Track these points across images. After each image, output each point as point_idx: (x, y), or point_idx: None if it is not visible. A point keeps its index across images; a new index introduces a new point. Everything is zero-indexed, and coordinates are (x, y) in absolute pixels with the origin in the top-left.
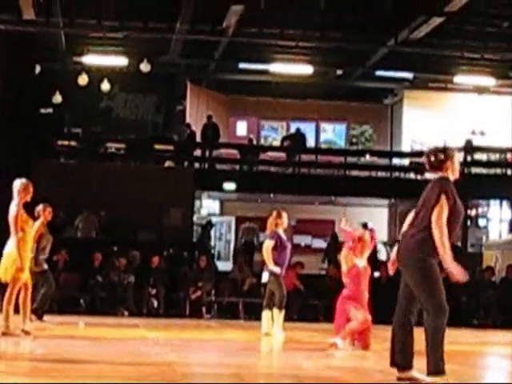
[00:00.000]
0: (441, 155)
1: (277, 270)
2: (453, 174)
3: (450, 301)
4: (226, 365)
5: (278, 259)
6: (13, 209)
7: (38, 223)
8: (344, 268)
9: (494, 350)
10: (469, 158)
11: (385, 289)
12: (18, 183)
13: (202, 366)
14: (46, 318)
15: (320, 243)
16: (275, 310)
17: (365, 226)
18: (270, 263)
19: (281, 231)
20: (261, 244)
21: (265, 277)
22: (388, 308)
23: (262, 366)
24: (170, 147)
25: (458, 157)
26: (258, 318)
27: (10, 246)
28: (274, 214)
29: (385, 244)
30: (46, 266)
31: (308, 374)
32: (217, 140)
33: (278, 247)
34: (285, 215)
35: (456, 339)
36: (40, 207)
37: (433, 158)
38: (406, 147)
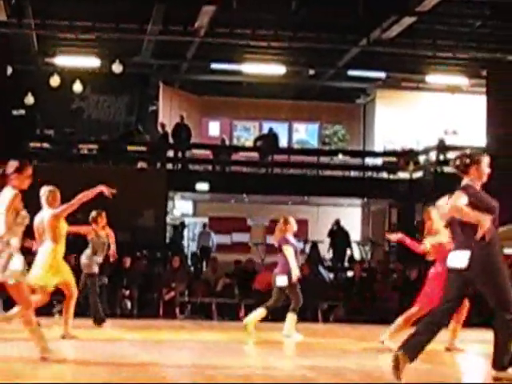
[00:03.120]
0: (466, 159)
1: (294, 275)
2: (479, 179)
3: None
4: (200, 365)
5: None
6: (49, 217)
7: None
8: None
9: (468, 349)
10: (441, 158)
11: (357, 288)
12: (46, 191)
13: (175, 367)
14: None
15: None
16: (290, 314)
17: (337, 223)
18: (295, 269)
19: (290, 236)
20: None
21: (282, 281)
22: (361, 306)
23: (235, 367)
24: (143, 148)
25: (486, 161)
26: (232, 319)
27: (46, 252)
28: (281, 220)
29: (358, 243)
30: (95, 270)
31: (281, 374)
32: (188, 140)
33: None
34: (292, 220)
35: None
36: (94, 213)
37: (458, 163)
38: (378, 147)
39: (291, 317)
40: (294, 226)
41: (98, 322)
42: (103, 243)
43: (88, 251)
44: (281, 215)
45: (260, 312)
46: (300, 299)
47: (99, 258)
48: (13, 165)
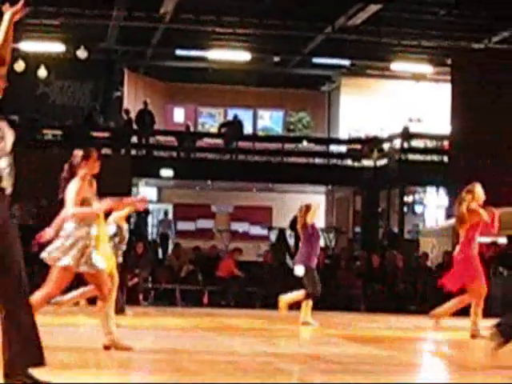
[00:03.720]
0: None
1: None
2: None
3: (387, 288)
4: (163, 351)
5: (312, 250)
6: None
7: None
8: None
9: (430, 336)
10: (406, 145)
11: (321, 275)
12: None
13: (138, 353)
14: None
15: (257, 230)
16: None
17: (307, 206)
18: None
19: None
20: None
21: (299, 270)
22: (324, 293)
23: (198, 352)
24: (107, 134)
25: None
26: (195, 305)
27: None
28: (303, 208)
29: (322, 230)
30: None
31: (243, 360)
32: (152, 127)
33: (313, 239)
34: (313, 207)
35: (394, 325)
36: None
37: None
38: (343, 134)
39: (307, 304)
40: (316, 213)
41: (120, 311)
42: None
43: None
44: (246, 202)
45: (297, 294)
46: (317, 288)
47: (124, 246)
48: (78, 154)
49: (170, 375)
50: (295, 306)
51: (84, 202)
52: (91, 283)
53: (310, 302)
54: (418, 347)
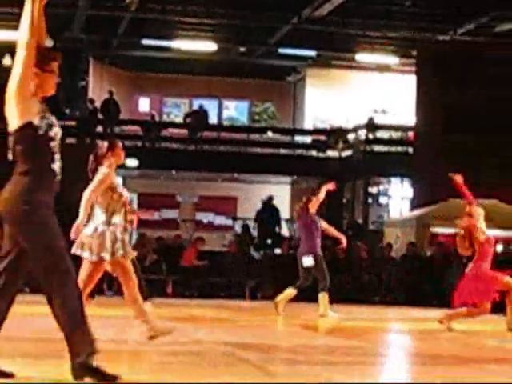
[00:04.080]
0: None
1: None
2: None
3: (352, 278)
4: (126, 341)
5: (317, 238)
6: None
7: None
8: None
9: (394, 327)
10: (371, 136)
11: (286, 265)
12: None
13: (100, 342)
14: None
15: (222, 220)
16: (322, 293)
17: (270, 199)
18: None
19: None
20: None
21: (308, 261)
22: (288, 284)
23: (161, 343)
24: (72, 123)
25: None
26: (160, 295)
27: None
28: (305, 199)
29: (287, 221)
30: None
31: (207, 350)
32: (117, 116)
33: (314, 227)
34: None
35: (358, 316)
36: None
37: None
38: (308, 125)
39: (323, 296)
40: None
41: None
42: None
43: None
44: (211, 192)
45: (289, 292)
46: (327, 276)
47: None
48: (103, 145)
49: (132, 365)
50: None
51: (111, 190)
52: (116, 273)
53: (327, 294)
54: (382, 338)
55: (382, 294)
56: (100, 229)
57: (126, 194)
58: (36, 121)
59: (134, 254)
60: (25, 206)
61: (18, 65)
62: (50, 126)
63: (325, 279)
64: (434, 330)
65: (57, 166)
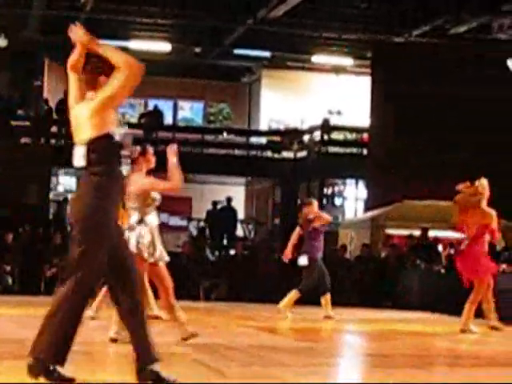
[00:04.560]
0: None
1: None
2: None
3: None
4: (79, 342)
5: (317, 243)
6: None
7: None
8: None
9: (347, 328)
10: (326, 137)
11: (240, 267)
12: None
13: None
14: None
15: (177, 221)
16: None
17: (229, 200)
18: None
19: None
20: None
21: (302, 260)
22: (243, 285)
23: (109, 344)
24: (27, 123)
25: None
26: None
27: None
28: (307, 203)
29: (241, 222)
30: None
31: (161, 351)
32: None
33: (318, 232)
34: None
35: (312, 317)
36: None
37: None
38: (263, 126)
39: (324, 298)
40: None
41: None
42: None
43: None
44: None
45: (292, 295)
46: (325, 279)
47: None
48: (135, 150)
49: (84, 367)
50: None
51: (144, 194)
52: (152, 275)
53: (329, 296)
54: (336, 338)
55: (335, 295)
56: (135, 227)
57: (158, 197)
58: (112, 130)
59: (167, 259)
60: (100, 210)
61: (116, 84)
62: (122, 135)
63: (307, 282)
64: (387, 331)
65: (123, 169)
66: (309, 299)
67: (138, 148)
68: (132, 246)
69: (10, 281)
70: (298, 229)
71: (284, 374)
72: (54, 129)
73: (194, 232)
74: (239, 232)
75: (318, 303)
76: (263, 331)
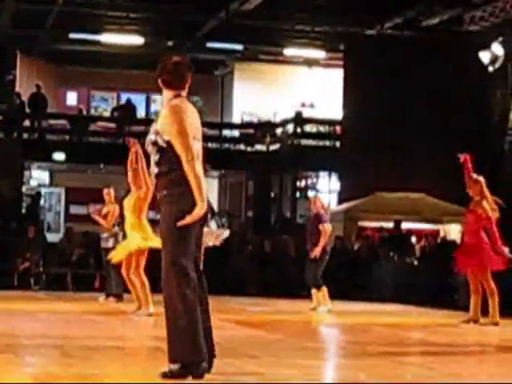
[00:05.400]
0: None
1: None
2: None
3: (279, 272)
4: (50, 336)
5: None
6: None
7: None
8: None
9: (321, 320)
10: (299, 130)
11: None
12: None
13: (25, 338)
14: None
15: (153, 215)
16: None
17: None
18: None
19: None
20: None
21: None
22: (217, 278)
23: (87, 337)
24: None
25: None
26: (87, 289)
27: None
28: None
29: (215, 215)
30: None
31: (132, 345)
32: (45, 110)
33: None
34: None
35: (284, 309)
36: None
37: None
38: (236, 119)
39: (314, 291)
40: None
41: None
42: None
43: None
44: None
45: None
46: (315, 272)
47: None
48: None
49: (57, 360)
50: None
51: None
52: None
53: (316, 290)
54: (309, 331)
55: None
56: None
57: None
58: None
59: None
60: None
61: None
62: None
63: (314, 275)
64: (361, 323)
65: (151, 170)
66: (283, 291)
67: None
68: None
69: None
70: None
71: (254, 366)
72: (26, 123)
73: None
74: (212, 225)
75: (293, 296)
76: (237, 324)
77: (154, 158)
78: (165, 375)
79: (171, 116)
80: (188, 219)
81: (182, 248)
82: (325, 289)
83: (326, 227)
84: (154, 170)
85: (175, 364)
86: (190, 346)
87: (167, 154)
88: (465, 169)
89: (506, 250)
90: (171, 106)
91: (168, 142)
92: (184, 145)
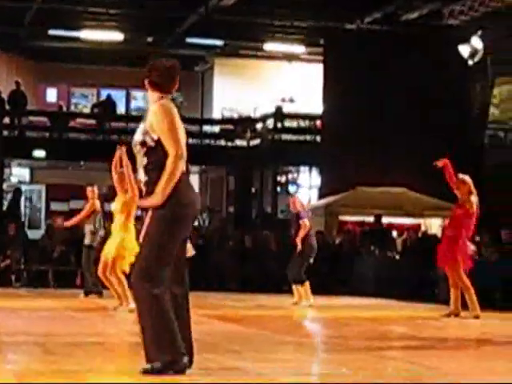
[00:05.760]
0: None
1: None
2: None
3: (260, 267)
4: (31, 333)
5: None
6: None
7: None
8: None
9: (302, 315)
10: (279, 125)
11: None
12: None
13: (6, 335)
14: None
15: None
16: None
17: None
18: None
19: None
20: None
21: None
22: (197, 274)
23: (68, 334)
24: None
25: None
26: (68, 286)
27: None
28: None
29: None
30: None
31: (113, 341)
32: (25, 107)
33: None
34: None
35: (265, 304)
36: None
37: None
38: (216, 114)
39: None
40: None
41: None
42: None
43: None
44: None
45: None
46: (294, 267)
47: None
48: None
49: (39, 357)
50: None
51: None
52: None
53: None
54: (289, 325)
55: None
56: None
57: None
58: None
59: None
60: None
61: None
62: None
63: (298, 271)
64: (343, 317)
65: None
66: (264, 286)
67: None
68: None
69: None
70: None
71: (235, 361)
72: (6, 120)
73: None
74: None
75: (274, 291)
76: (217, 319)
77: (142, 161)
78: (146, 371)
79: (162, 113)
80: (140, 203)
81: (159, 254)
82: (307, 284)
83: (306, 221)
84: (143, 177)
85: (157, 361)
86: (168, 346)
87: (156, 155)
88: (446, 173)
89: (471, 247)
90: (161, 104)
91: (157, 141)
92: (174, 139)
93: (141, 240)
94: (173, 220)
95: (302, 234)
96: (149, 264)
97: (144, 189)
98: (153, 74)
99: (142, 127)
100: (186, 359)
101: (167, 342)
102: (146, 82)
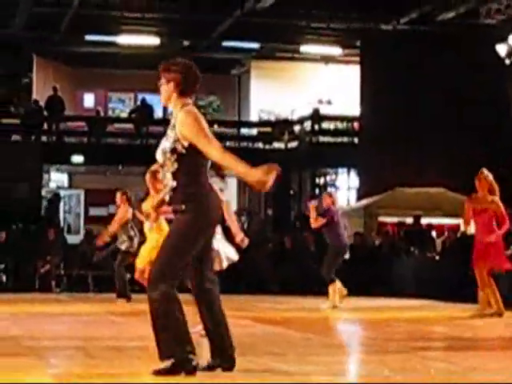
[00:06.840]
0: None
1: None
2: None
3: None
4: (72, 337)
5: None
6: None
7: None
8: None
9: (343, 317)
10: (316, 127)
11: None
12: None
13: (47, 339)
14: None
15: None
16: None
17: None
18: None
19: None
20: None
21: None
22: (237, 276)
23: (110, 338)
24: (17, 121)
25: None
26: (108, 291)
27: None
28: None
29: (234, 213)
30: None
31: (152, 344)
32: (62, 112)
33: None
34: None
35: (306, 306)
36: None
37: None
38: (253, 117)
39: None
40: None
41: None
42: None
43: None
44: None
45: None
46: (326, 268)
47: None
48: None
49: (80, 361)
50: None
51: None
52: None
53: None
54: (332, 328)
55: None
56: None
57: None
58: None
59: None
60: None
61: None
62: None
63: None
64: (383, 318)
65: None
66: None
67: None
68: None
69: (4, 278)
70: None
71: (279, 364)
72: (44, 126)
73: None
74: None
75: (313, 293)
76: (257, 321)
77: (171, 168)
78: (157, 372)
79: (190, 118)
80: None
81: (177, 257)
82: (336, 284)
83: (326, 219)
84: (171, 182)
85: (167, 360)
86: (178, 343)
87: (186, 162)
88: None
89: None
90: (187, 111)
91: (188, 148)
92: (207, 138)
93: (164, 239)
94: (195, 224)
95: (317, 224)
96: (166, 266)
97: (171, 193)
98: (182, 82)
99: (170, 135)
100: (196, 359)
101: (177, 342)
102: (174, 87)
